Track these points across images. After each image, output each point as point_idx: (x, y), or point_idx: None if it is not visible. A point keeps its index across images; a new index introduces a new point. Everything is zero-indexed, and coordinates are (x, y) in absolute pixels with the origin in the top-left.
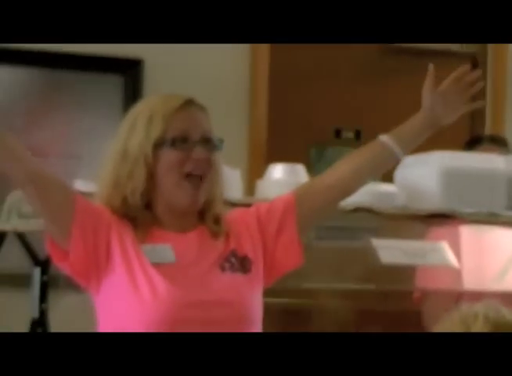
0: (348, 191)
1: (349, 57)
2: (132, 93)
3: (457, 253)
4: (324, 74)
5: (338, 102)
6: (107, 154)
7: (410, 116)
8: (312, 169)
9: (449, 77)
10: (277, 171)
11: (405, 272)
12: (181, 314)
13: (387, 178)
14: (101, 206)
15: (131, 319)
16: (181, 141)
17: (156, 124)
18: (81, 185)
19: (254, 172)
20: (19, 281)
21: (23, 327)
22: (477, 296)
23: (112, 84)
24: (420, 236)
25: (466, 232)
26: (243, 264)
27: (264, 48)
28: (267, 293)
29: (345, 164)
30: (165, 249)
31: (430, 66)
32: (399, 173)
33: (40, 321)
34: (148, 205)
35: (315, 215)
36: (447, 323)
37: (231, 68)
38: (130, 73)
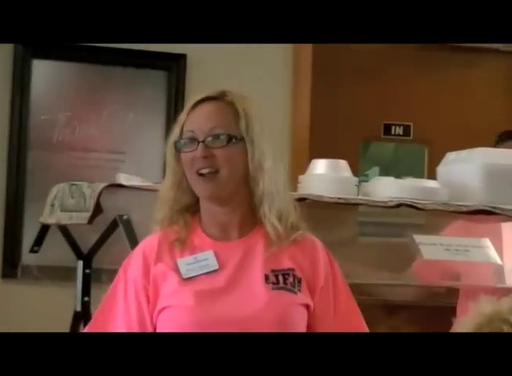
0: None
1: (394, 52)
2: (176, 89)
3: (499, 249)
4: (368, 69)
5: (385, 97)
6: None
7: (456, 111)
8: (360, 164)
9: None
10: (320, 166)
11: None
12: (206, 327)
13: (432, 173)
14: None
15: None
16: (189, 142)
17: (175, 129)
18: (123, 179)
19: (298, 167)
20: (62, 274)
21: (66, 319)
22: None
23: (156, 80)
24: (462, 233)
25: (509, 228)
26: (292, 282)
27: (306, 44)
28: None
29: None
30: (207, 257)
31: None
32: (442, 169)
33: (83, 314)
34: (194, 208)
35: None
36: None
37: (273, 63)
38: (173, 68)
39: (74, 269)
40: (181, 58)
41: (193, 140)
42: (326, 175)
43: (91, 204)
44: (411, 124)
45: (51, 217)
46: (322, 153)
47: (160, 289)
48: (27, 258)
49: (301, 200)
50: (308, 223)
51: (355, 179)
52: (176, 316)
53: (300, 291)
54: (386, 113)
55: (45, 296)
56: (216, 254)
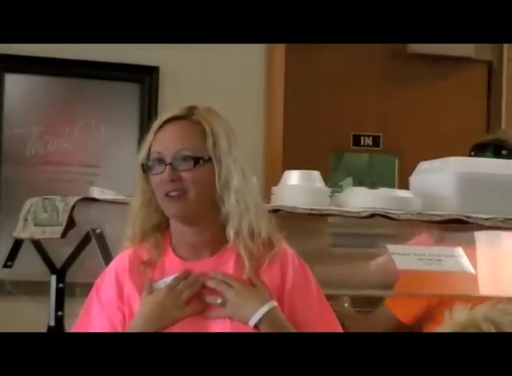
0: None
1: (364, 63)
2: (148, 101)
3: (473, 259)
4: (339, 80)
5: (355, 108)
6: None
7: (427, 120)
8: (331, 175)
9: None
10: (293, 177)
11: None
12: None
13: (403, 184)
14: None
15: None
16: (157, 164)
17: (142, 149)
18: (96, 192)
19: (271, 179)
20: (36, 289)
21: None
22: (493, 302)
23: (129, 93)
24: (436, 241)
25: (482, 237)
26: None
27: (279, 55)
28: None
29: None
30: None
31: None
32: (414, 178)
33: (56, 329)
34: (163, 227)
35: None
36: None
37: (246, 75)
38: (146, 80)
39: (48, 284)
40: (153, 70)
41: (161, 162)
42: (299, 186)
43: (64, 218)
44: (380, 134)
45: (24, 231)
46: (296, 164)
47: (134, 310)
48: (1, 272)
49: (275, 211)
50: (281, 234)
51: (328, 190)
52: None
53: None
54: (356, 123)
55: (18, 311)
56: None
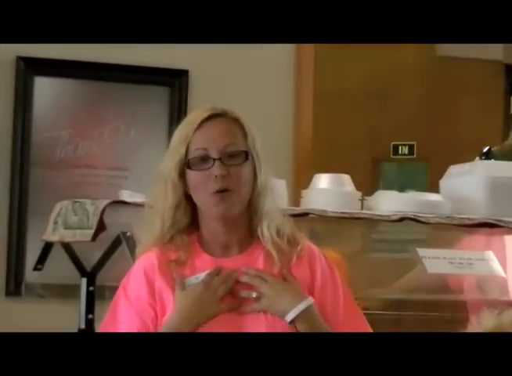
0: None
1: (396, 72)
2: (178, 104)
3: (503, 262)
4: (367, 91)
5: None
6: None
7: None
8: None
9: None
10: (323, 180)
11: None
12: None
13: (435, 187)
14: (140, 286)
15: None
16: (200, 161)
17: (178, 148)
18: (126, 195)
19: (300, 182)
20: (66, 292)
21: None
22: None
23: (158, 96)
24: (466, 245)
25: None
26: None
27: (309, 57)
28: None
29: None
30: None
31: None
32: (444, 182)
33: (87, 331)
34: (192, 227)
35: None
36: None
37: (275, 77)
38: (175, 84)
39: (78, 287)
40: (183, 74)
41: (207, 158)
42: (329, 190)
43: (94, 221)
44: (414, 143)
45: (54, 234)
46: (325, 168)
47: (167, 307)
48: (31, 275)
49: (304, 214)
50: (311, 238)
51: (358, 194)
52: None
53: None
54: (394, 132)
55: (48, 314)
56: None
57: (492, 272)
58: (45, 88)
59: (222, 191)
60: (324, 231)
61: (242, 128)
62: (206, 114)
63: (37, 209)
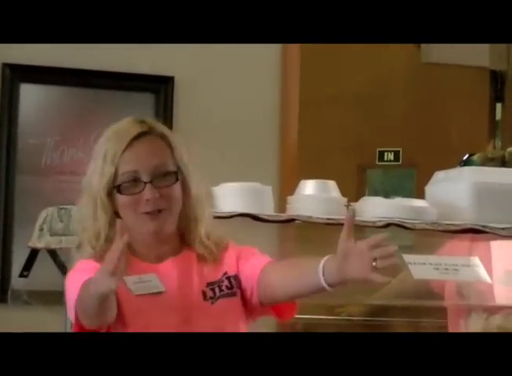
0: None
1: (384, 78)
2: (164, 111)
3: (488, 268)
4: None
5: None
6: (83, 184)
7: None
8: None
9: (369, 239)
10: (308, 187)
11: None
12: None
13: (420, 196)
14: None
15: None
16: (131, 185)
17: (107, 166)
18: None
19: (287, 189)
20: (52, 299)
21: None
22: (509, 312)
23: (144, 103)
24: (452, 251)
25: (497, 247)
26: (228, 286)
27: (295, 63)
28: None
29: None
30: (151, 279)
31: (351, 211)
32: (430, 188)
33: None
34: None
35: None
36: None
37: (261, 83)
38: (161, 90)
39: (64, 293)
40: (168, 80)
41: (137, 181)
42: (314, 196)
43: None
44: (400, 149)
45: (40, 241)
46: (311, 174)
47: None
48: (17, 282)
49: (290, 221)
50: (297, 244)
51: (344, 200)
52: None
53: (238, 287)
54: (380, 139)
55: (34, 320)
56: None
57: (478, 278)
58: (30, 95)
59: (153, 212)
60: (310, 237)
61: (169, 143)
62: (135, 132)
63: (23, 216)
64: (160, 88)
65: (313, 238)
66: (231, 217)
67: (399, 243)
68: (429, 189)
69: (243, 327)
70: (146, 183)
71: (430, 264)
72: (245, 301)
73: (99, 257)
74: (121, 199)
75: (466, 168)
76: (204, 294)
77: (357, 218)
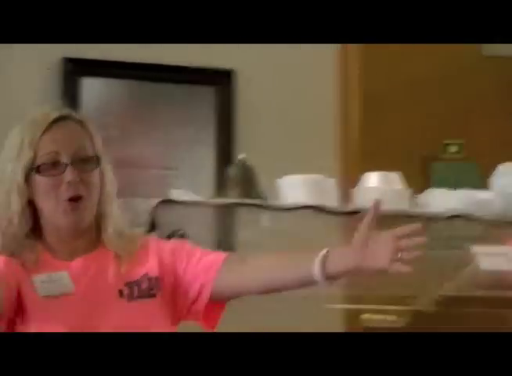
0: (256, 293)
1: (449, 67)
2: (224, 104)
3: None
4: (414, 87)
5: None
6: None
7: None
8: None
9: (396, 229)
10: (372, 179)
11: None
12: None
13: (485, 186)
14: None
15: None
16: (50, 166)
17: (24, 151)
18: (176, 194)
19: (349, 181)
20: None
21: None
22: None
23: (204, 96)
24: None
25: None
26: (149, 288)
27: (356, 58)
28: None
29: (268, 269)
30: (61, 278)
31: (376, 203)
32: (495, 180)
33: None
34: (36, 234)
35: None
36: None
37: (321, 77)
38: (221, 84)
39: None
40: (228, 74)
41: (58, 163)
42: (378, 188)
43: (145, 219)
44: (463, 141)
45: None
46: (374, 167)
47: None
48: None
49: (355, 213)
50: None
51: (409, 191)
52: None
53: (159, 289)
54: (443, 132)
55: None
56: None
57: None
58: (92, 88)
59: (75, 199)
60: (376, 229)
61: (87, 130)
62: (53, 116)
63: None
64: (220, 81)
65: (379, 229)
66: (295, 209)
67: (466, 234)
68: (494, 180)
69: (162, 329)
70: (66, 165)
71: (499, 254)
72: (175, 303)
73: (11, 248)
74: (41, 182)
75: None
76: (121, 292)
77: (424, 210)
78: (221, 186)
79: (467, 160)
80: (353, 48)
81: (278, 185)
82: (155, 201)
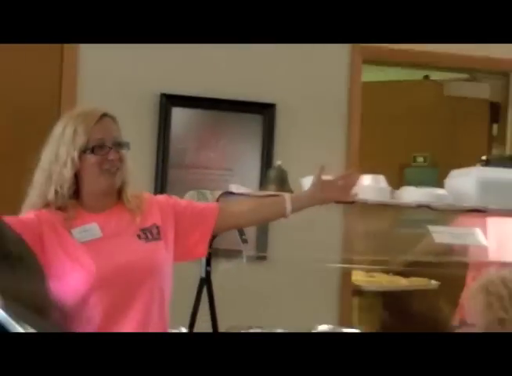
0: (242, 225)
1: (419, 102)
2: (268, 128)
3: (485, 236)
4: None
5: (413, 136)
6: (42, 158)
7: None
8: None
9: (337, 176)
10: (365, 179)
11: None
12: (107, 275)
13: (441, 185)
14: (28, 215)
15: (72, 282)
16: (99, 148)
17: (80, 136)
18: (234, 188)
19: None
20: None
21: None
22: (500, 266)
23: (254, 122)
24: (461, 224)
25: (493, 222)
26: (156, 233)
27: (358, 93)
28: None
29: (249, 207)
30: (92, 228)
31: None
32: (448, 181)
33: (206, 279)
34: (76, 195)
35: (224, 228)
36: (474, 287)
37: (336, 108)
38: (266, 113)
39: None
40: (271, 106)
41: (103, 146)
42: (371, 186)
43: None
44: (428, 154)
45: None
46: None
47: (46, 248)
48: None
49: (352, 202)
50: (358, 219)
51: (389, 188)
52: (80, 269)
53: (162, 237)
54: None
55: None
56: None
57: (479, 242)
58: (179, 116)
59: (114, 170)
60: (366, 214)
61: (118, 125)
62: (100, 112)
63: None
64: (266, 111)
65: (369, 215)
66: None
67: (427, 218)
68: (447, 181)
69: (169, 264)
70: (110, 148)
71: (448, 232)
72: (179, 243)
73: (58, 203)
74: (92, 158)
75: (473, 168)
76: (139, 236)
77: (398, 201)
78: (263, 184)
79: (430, 167)
80: (357, 85)
81: (301, 183)
82: (219, 192)
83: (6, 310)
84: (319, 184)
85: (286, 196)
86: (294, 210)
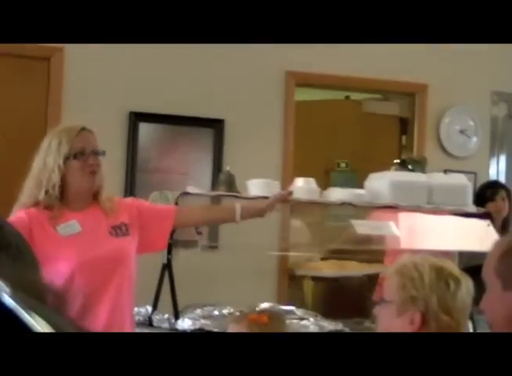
0: (197, 226)
1: (342, 118)
2: (218, 139)
3: (398, 228)
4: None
5: (336, 145)
6: (33, 167)
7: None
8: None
9: (276, 196)
10: (299, 181)
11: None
12: (86, 263)
13: (361, 186)
14: (18, 214)
15: (58, 269)
16: (80, 154)
17: (64, 145)
18: (190, 189)
19: (287, 182)
20: None
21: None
22: (412, 253)
23: (206, 134)
24: (378, 218)
25: (403, 216)
26: (125, 229)
27: (292, 113)
28: None
29: (204, 211)
30: (74, 223)
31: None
32: (367, 183)
33: (167, 265)
34: (61, 196)
35: (181, 227)
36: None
37: (272, 126)
38: (217, 127)
39: None
40: (221, 121)
41: (84, 153)
42: (302, 187)
43: (172, 203)
44: (348, 161)
45: None
46: (301, 174)
47: (40, 242)
48: None
49: (288, 201)
50: (292, 215)
51: (318, 189)
52: (64, 258)
53: (129, 233)
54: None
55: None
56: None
57: (392, 232)
58: (145, 130)
59: (93, 173)
60: (299, 211)
61: (95, 137)
62: (80, 127)
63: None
64: (215, 126)
65: (301, 210)
66: (255, 198)
67: (348, 213)
68: (366, 183)
69: (133, 256)
70: (89, 155)
71: (367, 225)
72: (143, 238)
73: (45, 203)
74: (75, 164)
75: (387, 172)
76: (110, 232)
77: (324, 199)
78: (215, 185)
79: (350, 172)
80: (291, 104)
81: (247, 185)
82: (178, 193)
83: (14, 299)
84: (274, 205)
85: (237, 206)
86: (243, 218)
